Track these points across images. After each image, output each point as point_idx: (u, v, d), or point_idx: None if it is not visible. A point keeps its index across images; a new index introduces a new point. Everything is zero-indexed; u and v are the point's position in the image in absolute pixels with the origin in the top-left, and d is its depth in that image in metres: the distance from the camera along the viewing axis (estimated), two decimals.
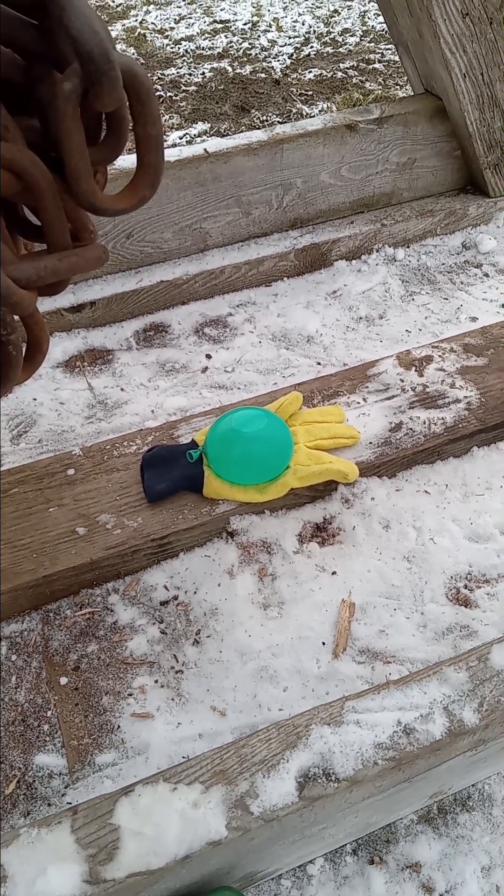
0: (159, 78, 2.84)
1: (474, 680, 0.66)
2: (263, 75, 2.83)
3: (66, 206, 0.52)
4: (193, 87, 2.77)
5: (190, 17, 3.29)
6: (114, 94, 0.43)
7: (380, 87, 2.73)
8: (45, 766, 0.78)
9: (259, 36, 3.11)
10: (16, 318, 0.56)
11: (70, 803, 0.75)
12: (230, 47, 3.03)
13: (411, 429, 1.03)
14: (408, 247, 1.49)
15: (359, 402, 1.07)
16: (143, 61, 2.91)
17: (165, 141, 2.37)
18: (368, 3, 3.30)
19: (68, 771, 0.77)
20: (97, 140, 0.52)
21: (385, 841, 0.78)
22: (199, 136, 2.46)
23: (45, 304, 1.29)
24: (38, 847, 0.56)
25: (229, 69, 2.88)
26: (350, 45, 3.02)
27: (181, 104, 2.66)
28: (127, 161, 1.30)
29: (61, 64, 0.48)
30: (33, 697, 0.83)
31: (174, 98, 2.70)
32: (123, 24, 3.25)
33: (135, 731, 0.80)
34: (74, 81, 0.43)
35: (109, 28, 3.14)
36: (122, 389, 1.23)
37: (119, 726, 0.80)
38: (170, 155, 1.29)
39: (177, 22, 3.26)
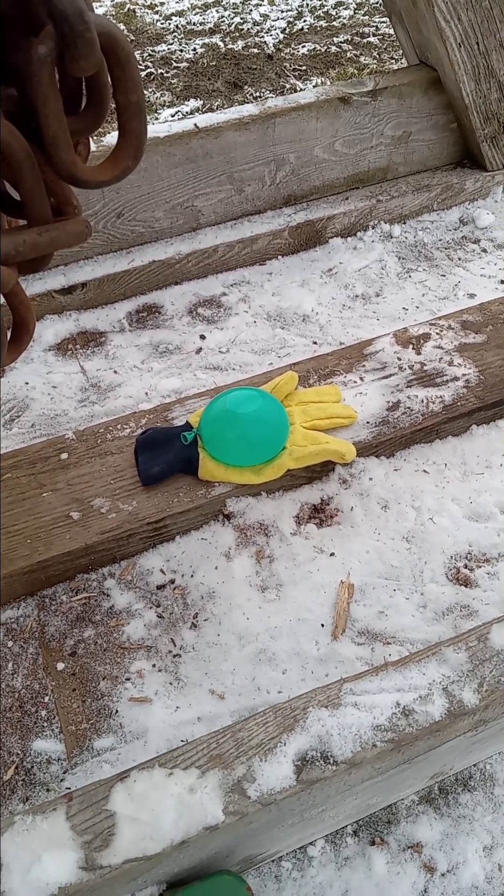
0: (150, 54, 2.79)
1: (474, 660, 0.65)
2: (256, 50, 2.78)
3: (47, 179, 0.50)
4: (185, 64, 2.72)
5: None
6: (90, 57, 0.41)
7: (374, 60, 2.68)
8: (44, 752, 0.78)
9: (251, 10, 3.05)
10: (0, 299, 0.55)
11: (69, 789, 0.74)
12: (222, 22, 2.98)
13: (409, 407, 1.01)
14: (404, 223, 1.46)
15: (356, 382, 1.05)
16: (133, 38, 2.86)
17: (157, 118, 2.33)
18: None
19: (66, 756, 0.77)
20: (78, 110, 0.51)
21: (386, 822, 0.78)
22: (192, 113, 2.43)
23: (36, 286, 1.27)
24: (32, 834, 0.55)
25: (221, 45, 2.83)
26: (343, 18, 2.97)
27: (172, 81, 2.62)
28: (113, 137, 1.28)
29: (37, 28, 0.46)
30: (30, 683, 0.83)
31: (165, 75, 2.66)
32: (112, 0, 3.19)
33: (133, 716, 0.79)
34: (49, 44, 0.41)
35: (98, 4, 3.08)
36: (115, 372, 1.22)
37: (117, 711, 0.80)
38: (159, 131, 1.27)
39: None
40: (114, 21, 0.43)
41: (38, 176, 0.47)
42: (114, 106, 0.49)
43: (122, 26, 2.96)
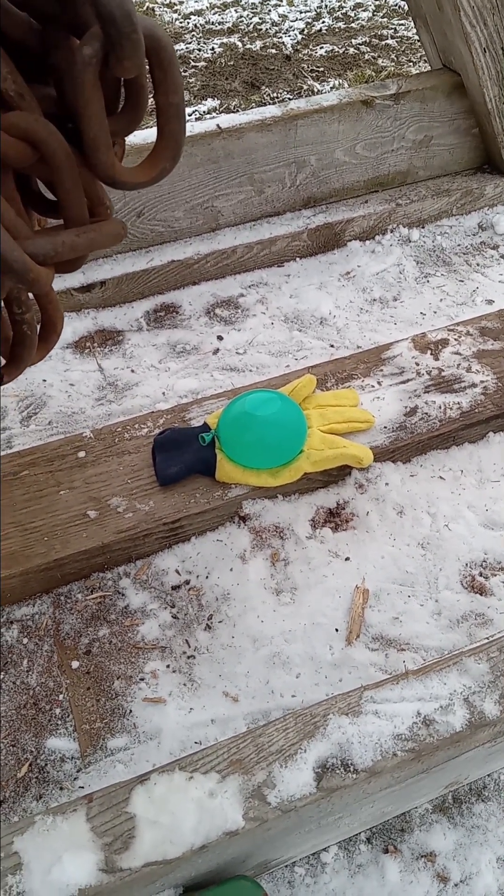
0: None
1: (495, 671, 0.65)
2: (274, 51, 2.77)
3: (83, 180, 0.50)
4: (203, 63, 2.72)
5: None
6: (136, 58, 0.41)
7: (392, 63, 2.67)
8: (57, 750, 0.78)
9: (269, 10, 3.04)
10: (30, 296, 0.54)
11: (82, 787, 0.74)
12: (240, 22, 2.98)
13: (426, 413, 1.01)
14: (423, 227, 1.46)
15: (373, 386, 1.05)
16: None
17: None
18: None
19: (80, 755, 0.77)
20: (115, 110, 0.50)
21: (400, 830, 0.78)
22: (209, 112, 2.42)
23: (55, 284, 1.26)
24: (53, 835, 0.55)
25: (239, 45, 2.82)
26: (362, 20, 2.96)
27: (190, 80, 2.61)
28: (137, 136, 1.28)
29: (79, 28, 0.46)
30: (45, 681, 0.83)
31: (183, 74, 2.65)
32: None
33: (147, 716, 0.79)
34: (95, 45, 0.41)
35: None
36: (132, 371, 1.22)
37: (131, 711, 0.80)
38: None
39: None
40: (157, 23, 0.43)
41: (78, 177, 0.46)
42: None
43: None
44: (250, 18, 3.00)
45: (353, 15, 3.00)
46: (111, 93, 0.49)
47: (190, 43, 2.85)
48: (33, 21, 0.47)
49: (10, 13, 0.44)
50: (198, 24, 2.98)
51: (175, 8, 3.11)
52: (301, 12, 3.03)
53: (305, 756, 0.60)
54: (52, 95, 0.49)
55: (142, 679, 0.82)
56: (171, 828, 0.55)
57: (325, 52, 2.75)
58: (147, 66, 0.46)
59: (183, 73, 2.65)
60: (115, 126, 0.48)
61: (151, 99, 0.44)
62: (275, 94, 2.51)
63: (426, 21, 1.42)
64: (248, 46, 2.81)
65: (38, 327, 0.59)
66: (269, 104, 2.43)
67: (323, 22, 2.95)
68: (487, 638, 0.69)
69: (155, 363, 1.23)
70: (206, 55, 2.77)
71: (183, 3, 3.14)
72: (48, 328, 0.59)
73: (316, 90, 2.52)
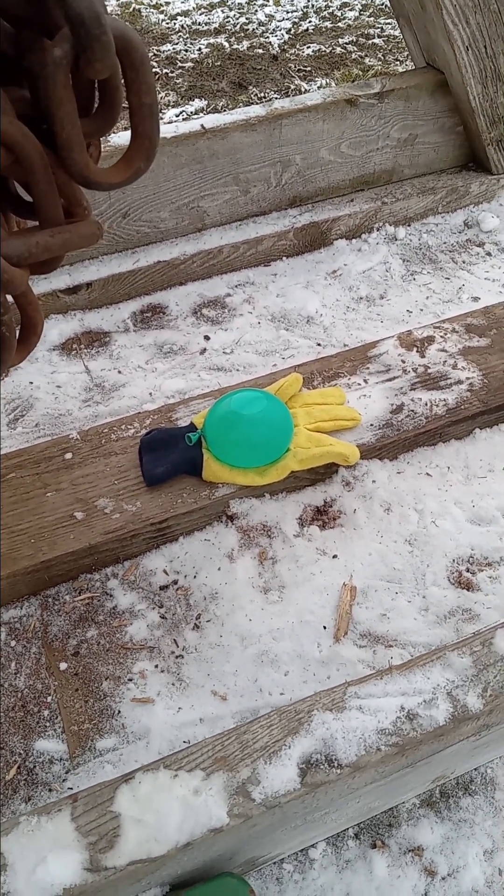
0: (155, 54, 2.79)
1: (478, 665, 0.65)
2: (261, 51, 2.77)
3: (59, 181, 0.50)
4: (190, 64, 2.72)
5: None
6: (106, 59, 0.41)
7: (379, 62, 2.68)
8: (46, 752, 0.78)
9: (256, 10, 3.05)
10: (9, 298, 0.54)
11: (71, 788, 0.74)
12: (227, 22, 2.98)
13: (413, 410, 1.01)
14: (409, 225, 1.46)
15: (359, 384, 1.06)
16: None
17: (162, 118, 2.32)
18: None
19: (69, 756, 0.77)
20: (90, 111, 0.51)
21: (387, 825, 0.78)
22: (196, 113, 2.42)
23: (41, 286, 1.27)
24: (37, 835, 0.55)
25: (226, 45, 2.82)
26: (349, 19, 2.97)
27: (177, 81, 2.61)
28: (122, 138, 1.28)
29: (51, 30, 0.46)
30: (33, 683, 0.83)
31: (170, 75, 2.65)
32: (118, 0, 3.19)
33: (135, 716, 0.79)
34: (65, 47, 0.41)
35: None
36: (119, 372, 1.22)
37: (119, 711, 0.80)
38: (166, 131, 1.27)
39: None
40: (127, 23, 0.43)
41: (51, 178, 0.47)
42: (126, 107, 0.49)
43: None
44: (237, 19, 3.00)
45: (339, 14, 3.00)
46: (85, 94, 0.49)
47: (177, 44, 2.85)
48: (6, 24, 0.47)
49: None
50: (184, 25, 2.98)
51: (161, 9, 3.11)
52: (288, 12, 3.03)
53: (290, 752, 0.60)
54: (26, 98, 0.49)
55: (130, 679, 0.82)
56: (155, 826, 0.56)
57: (312, 51, 2.76)
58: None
59: (170, 74, 2.65)
60: (89, 127, 0.48)
61: None
62: (262, 94, 2.52)
63: (409, 20, 1.43)
64: (235, 47, 2.81)
65: (18, 330, 0.60)
66: (257, 104, 2.43)
67: (310, 21, 2.96)
68: (474, 633, 0.69)
69: (142, 364, 1.23)
70: (193, 56, 2.77)
71: (169, 3, 3.14)
72: (28, 330, 0.59)
73: (303, 90, 2.52)
